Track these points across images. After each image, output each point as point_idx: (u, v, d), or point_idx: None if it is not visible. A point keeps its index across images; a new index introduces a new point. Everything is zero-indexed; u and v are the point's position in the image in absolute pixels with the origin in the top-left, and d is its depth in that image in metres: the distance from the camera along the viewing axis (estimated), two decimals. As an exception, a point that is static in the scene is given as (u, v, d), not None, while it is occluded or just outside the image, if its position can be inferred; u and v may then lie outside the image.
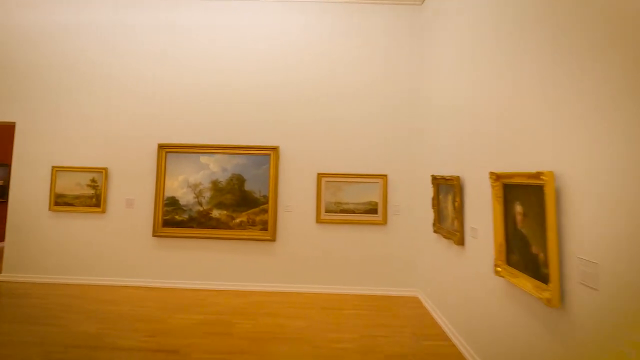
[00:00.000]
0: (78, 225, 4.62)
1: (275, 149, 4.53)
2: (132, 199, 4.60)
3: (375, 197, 4.50)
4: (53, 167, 4.61)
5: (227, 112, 4.63)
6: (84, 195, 4.60)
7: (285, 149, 4.59)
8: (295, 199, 4.56)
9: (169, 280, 4.52)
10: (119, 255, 4.58)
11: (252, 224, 4.49)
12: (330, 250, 4.50)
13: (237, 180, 4.52)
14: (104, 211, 4.59)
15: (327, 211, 4.50)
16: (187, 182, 4.53)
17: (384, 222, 4.47)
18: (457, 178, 3.25)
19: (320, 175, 4.52)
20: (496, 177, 2.51)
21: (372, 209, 4.49)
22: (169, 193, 4.53)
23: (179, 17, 4.73)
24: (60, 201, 4.61)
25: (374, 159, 4.56)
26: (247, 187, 4.51)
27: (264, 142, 4.58)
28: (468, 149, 3.15)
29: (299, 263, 4.51)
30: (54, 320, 3.48)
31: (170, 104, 4.65)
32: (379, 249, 4.48)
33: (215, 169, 4.53)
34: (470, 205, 3.08)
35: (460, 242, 3.19)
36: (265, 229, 4.48)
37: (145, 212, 4.58)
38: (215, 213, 4.51)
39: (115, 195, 4.62)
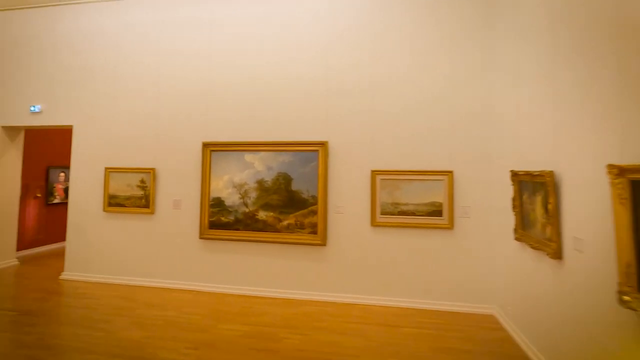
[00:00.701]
0: (130, 226, 4.62)
1: (323, 144, 4.12)
2: (179, 200, 4.48)
3: (439, 196, 3.90)
4: (106, 169, 4.66)
5: (271, 107, 4.31)
6: (135, 196, 4.59)
7: (334, 144, 4.16)
8: (346, 200, 4.11)
9: (216, 285, 4.33)
10: (167, 258, 4.50)
11: (300, 226, 4.14)
12: (387, 257, 3.99)
13: (284, 180, 4.19)
14: (152, 212, 4.54)
15: (383, 213, 4.00)
16: (232, 182, 4.30)
17: (450, 225, 3.86)
18: (550, 174, 2.58)
19: (374, 173, 4.03)
20: (619, 171, 1.85)
21: (435, 211, 3.89)
22: (214, 193, 4.34)
23: (219, 13, 4.52)
24: (113, 202, 4.65)
25: (437, 153, 3.96)
26: (294, 186, 4.16)
27: (311, 137, 4.19)
28: (567, 135, 2.46)
29: (352, 270, 4.06)
30: (102, 324, 3.41)
31: (214, 102, 4.45)
32: (445, 257, 3.88)
33: (260, 167, 4.24)
34: (571, 209, 2.40)
35: (557, 255, 2.52)
36: (314, 232, 4.10)
37: (191, 213, 4.44)
38: (262, 214, 4.22)
39: (163, 196, 4.55)
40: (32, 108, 4.91)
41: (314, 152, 4.13)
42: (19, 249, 5.78)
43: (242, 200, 4.27)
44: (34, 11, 5.10)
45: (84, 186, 4.77)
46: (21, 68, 5.06)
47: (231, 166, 4.30)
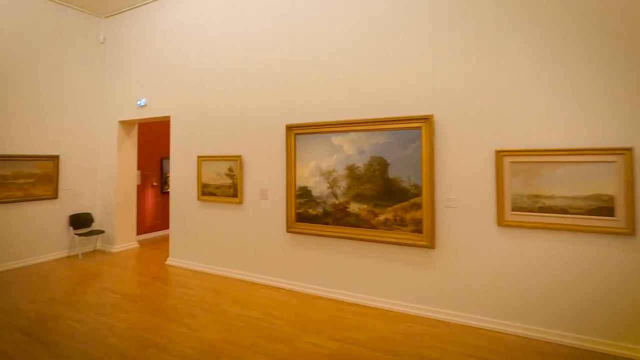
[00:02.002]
0: (220, 216, 4.51)
1: (427, 119, 3.22)
2: (266, 189, 4.15)
3: (607, 187, 2.65)
4: (198, 157, 4.62)
5: (359, 78, 3.57)
6: (224, 185, 4.44)
7: (442, 118, 3.22)
8: (460, 190, 3.16)
9: (304, 284, 3.88)
10: (255, 250, 4.24)
11: (400, 223, 3.35)
12: (523, 269, 2.91)
13: (378, 165, 3.44)
14: (241, 202, 4.32)
15: (515, 209, 2.93)
16: (319, 168, 3.74)
17: (630, 230, 2.57)
18: None
19: (500, 154, 2.97)
20: None
21: (601, 208, 2.66)
22: (300, 182, 3.85)
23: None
24: (206, 191, 4.59)
25: (600, 122, 2.68)
26: (391, 173, 3.38)
27: (410, 111, 3.32)
28: None
29: (471, 283, 3.11)
30: (187, 319, 3.26)
31: (297, 80, 3.93)
32: (621, 277, 2.61)
33: (350, 151, 3.57)
34: None
35: None
36: (419, 230, 3.27)
37: (278, 203, 4.06)
38: (354, 207, 3.57)
39: (250, 185, 4.28)
40: (138, 102, 5.20)
41: (416, 129, 3.27)
42: (139, 232, 6.37)
43: (330, 190, 3.68)
44: (134, 12, 5.43)
45: (181, 175, 4.85)
46: (130, 66, 5.42)
47: (317, 151, 3.75)
